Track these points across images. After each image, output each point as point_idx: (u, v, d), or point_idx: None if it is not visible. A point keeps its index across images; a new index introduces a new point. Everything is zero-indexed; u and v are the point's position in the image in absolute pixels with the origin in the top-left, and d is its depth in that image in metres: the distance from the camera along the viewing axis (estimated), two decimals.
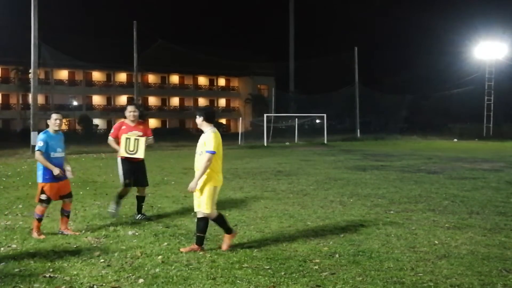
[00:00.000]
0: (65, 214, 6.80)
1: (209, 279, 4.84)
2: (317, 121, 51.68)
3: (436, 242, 6.23)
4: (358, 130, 44.17)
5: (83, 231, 6.88)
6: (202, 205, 5.77)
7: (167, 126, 64.19)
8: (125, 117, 7.76)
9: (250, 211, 8.34)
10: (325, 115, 39.08)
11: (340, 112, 54.54)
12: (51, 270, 5.16)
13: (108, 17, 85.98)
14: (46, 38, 37.17)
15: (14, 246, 6.14)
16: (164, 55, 52.73)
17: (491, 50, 44.36)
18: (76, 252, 5.81)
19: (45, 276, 4.95)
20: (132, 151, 7.42)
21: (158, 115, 66.09)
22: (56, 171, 6.47)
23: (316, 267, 5.22)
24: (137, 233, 6.75)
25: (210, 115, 5.91)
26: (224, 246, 5.90)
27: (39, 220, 6.64)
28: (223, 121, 67.96)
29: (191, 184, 5.75)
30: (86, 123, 54.83)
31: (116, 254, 5.73)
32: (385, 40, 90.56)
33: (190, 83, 70.35)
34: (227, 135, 48.83)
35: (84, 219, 7.79)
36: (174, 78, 69.46)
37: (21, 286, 4.72)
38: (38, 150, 6.55)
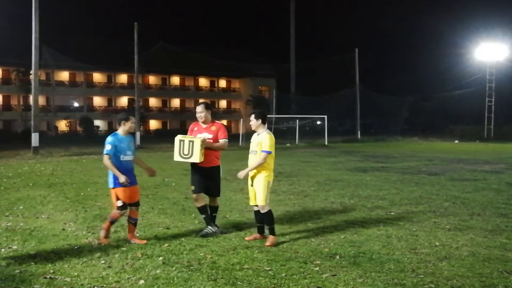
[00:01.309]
0: (131, 221, 6.41)
1: (209, 281, 4.84)
2: (318, 122, 51.71)
3: (437, 243, 6.23)
4: (359, 132, 44.22)
5: (84, 232, 6.89)
6: (258, 198, 6.29)
7: (168, 128, 64.17)
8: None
9: (251, 212, 8.29)
10: (326, 116, 39.11)
11: (341, 113, 54.55)
12: (51, 271, 5.16)
13: (109, 18, 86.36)
14: (47, 39, 37.31)
15: (14, 247, 6.14)
16: (164, 56, 52.80)
17: (492, 52, 44.39)
18: (76, 253, 5.81)
19: (45, 277, 4.95)
20: (187, 154, 6.64)
21: (158, 116, 66.15)
22: (122, 178, 6.01)
23: (317, 268, 5.22)
24: (137, 234, 6.74)
25: (266, 118, 6.46)
26: (267, 242, 6.21)
27: (112, 222, 6.35)
28: (224, 122, 67.96)
29: (241, 173, 6.29)
30: (87, 125, 54.82)
31: (116, 255, 5.73)
32: (385, 41, 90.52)
33: (191, 84, 70.38)
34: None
35: (84, 220, 7.80)
36: (175, 80, 69.47)
37: (22, 287, 4.72)
38: (106, 154, 6.09)
